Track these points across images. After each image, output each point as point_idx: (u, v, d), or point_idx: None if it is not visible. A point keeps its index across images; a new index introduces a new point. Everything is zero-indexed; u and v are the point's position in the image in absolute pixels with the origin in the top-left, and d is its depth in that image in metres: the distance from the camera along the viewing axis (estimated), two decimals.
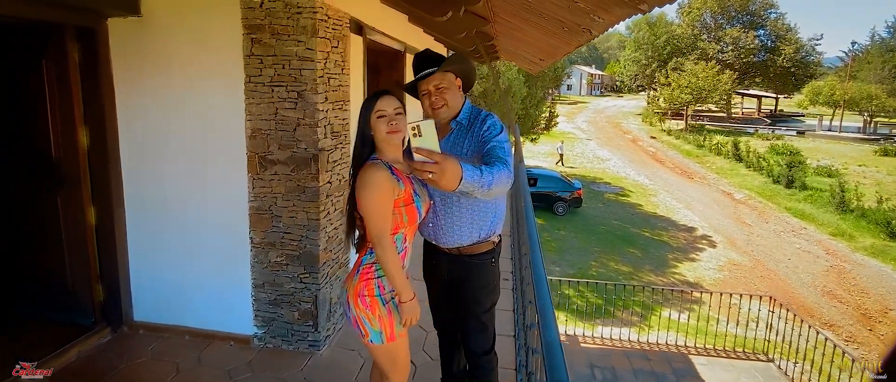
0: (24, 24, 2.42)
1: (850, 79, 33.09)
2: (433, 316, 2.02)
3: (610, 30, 2.25)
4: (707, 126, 31.69)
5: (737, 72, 33.73)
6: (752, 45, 37.36)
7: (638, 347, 7.60)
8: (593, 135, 31.12)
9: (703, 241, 15.00)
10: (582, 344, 7.54)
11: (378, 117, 1.59)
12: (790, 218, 16.73)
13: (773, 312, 7.73)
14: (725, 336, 8.19)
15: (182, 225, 2.65)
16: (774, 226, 16.18)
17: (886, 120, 31.00)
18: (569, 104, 46.18)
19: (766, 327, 7.70)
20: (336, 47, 2.51)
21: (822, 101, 32.66)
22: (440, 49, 5.72)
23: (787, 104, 41.58)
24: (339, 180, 2.74)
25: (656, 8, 1.33)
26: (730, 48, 37.66)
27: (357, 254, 1.68)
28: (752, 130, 30.62)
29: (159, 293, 2.76)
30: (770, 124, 32.84)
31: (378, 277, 1.61)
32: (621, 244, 14.35)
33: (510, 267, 3.58)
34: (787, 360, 7.17)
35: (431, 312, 2.02)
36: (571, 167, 22.92)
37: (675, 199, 19.07)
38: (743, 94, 37.02)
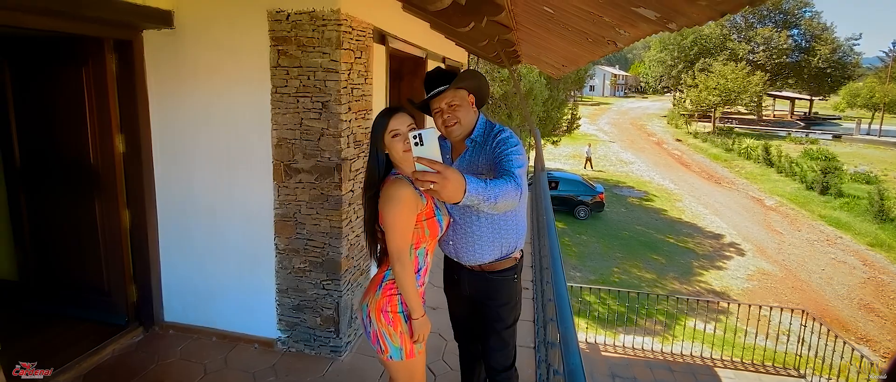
0: (67, 37, 2.54)
1: (892, 81, 31.51)
2: (454, 329, 2.02)
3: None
4: (736, 129, 30.72)
5: (768, 73, 32.57)
6: (784, 46, 35.99)
7: (661, 358, 7.41)
8: (616, 138, 30.56)
9: (731, 249, 14.53)
10: (603, 353, 7.41)
11: (392, 136, 1.58)
12: (824, 226, 16.05)
13: (805, 326, 7.42)
14: (754, 348, 7.91)
15: (210, 229, 2.74)
16: (807, 235, 15.55)
17: None
18: (591, 105, 45.50)
19: (799, 341, 7.40)
20: (359, 58, 2.55)
21: (861, 104, 31.21)
22: (461, 54, 5.73)
23: (822, 106, 39.94)
24: (361, 188, 2.78)
25: (685, 28, 1.31)
26: (761, 48, 36.36)
27: (378, 268, 1.69)
28: (783, 133, 29.51)
29: (188, 295, 2.85)
30: (804, 127, 31.60)
31: (401, 293, 1.61)
32: (645, 250, 14.03)
33: (530, 274, 3.55)
34: (820, 376, 6.88)
35: (452, 325, 2.02)
36: (596, 170, 22.56)
37: (702, 205, 18.54)
38: (775, 96, 35.76)
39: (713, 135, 28.85)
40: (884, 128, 29.95)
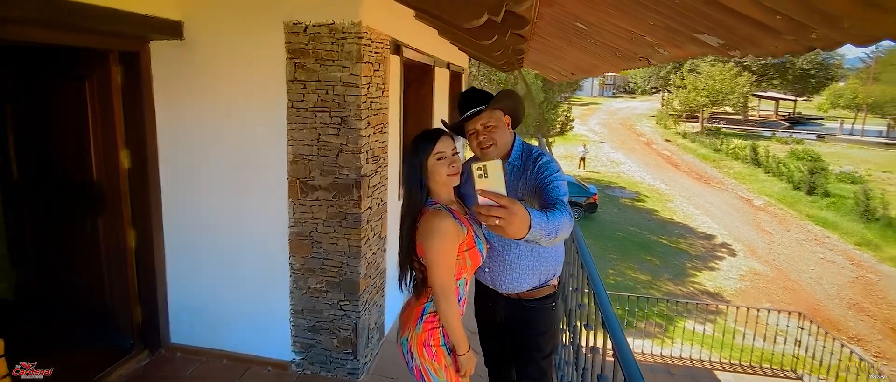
0: (69, 48, 2.41)
1: (873, 82, 32.29)
2: (485, 357, 1.95)
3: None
4: (723, 129, 31.18)
5: (755, 74, 33.12)
6: None
7: (661, 361, 7.43)
8: (607, 138, 30.78)
9: (723, 249, 14.71)
10: (607, 359, 7.40)
11: (438, 159, 1.52)
12: (812, 226, 16.35)
13: (802, 328, 7.52)
14: (751, 350, 8.00)
15: (220, 248, 2.63)
16: (796, 235, 15.82)
17: None
18: (581, 106, 45.78)
19: (795, 343, 7.51)
20: (378, 70, 2.47)
21: (843, 104, 31.94)
22: (463, 59, 5.66)
23: (806, 106, 40.74)
24: (378, 205, 2.70)
25: (738, 58, 1.26)
26: None
27: (414, 299, 1.61)
28: (769, 133, 30.04)
29: (197, 316, 2.74)
30: (788, 127, 32.20)
31: (443, 325, 1.55)
32: (638, 251, 14.13)
33: None
34: (816, 377, 6.98)
35: (482, 349, 1.96)
36: (588, 170, 22.69)
37: (693, 205, 18.75)
38: (760, 97, 36.35)
39: (701, 136, 29.25)
40: (866, 128, 30.66)
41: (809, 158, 21.66)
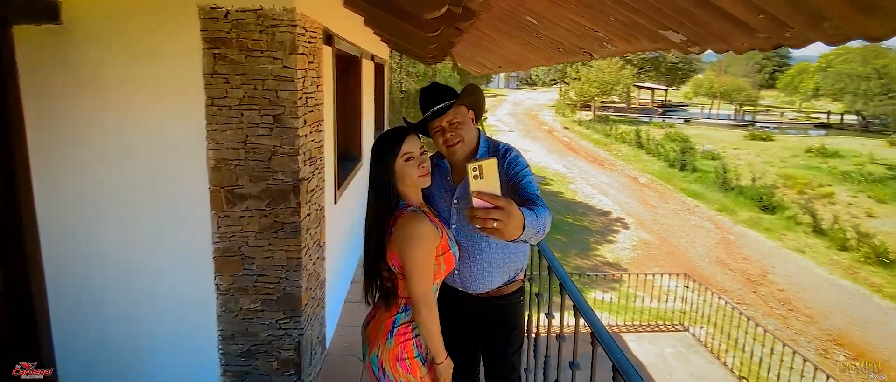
0: None
1: (724, 74, 38.31)
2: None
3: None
4: (611, 116, 34.64)
5: (636, 68, 37.17)
6: None
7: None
8: (515, 127, 32.42)
9: (618, 224, 16.42)
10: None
11: (406, 160, 1.42)
12: (685, 198, 18.95)
13: (687, 287, 8.72)
14: (648, 311, 9.07)
15: (126, 275, 2.19)
16: (673, 206, 18.22)
17: (751, 108, 36.43)
18: (490, 97, 47.53)
19: (682, 300, 8.68)
20: (312, 63, 2.23)
21: (703, 93, 37.41)
22: (385, 50, 5.46)
23: (675, 95, 46.92)
24: (317, 210, 2.47)
25: (697, 53, 1.35)
26: None
27: (386, 310, 1.49)
28: (647, 119, 34.08)
29: (98, 356, 2.27)
30: (662, 113, 36.82)
31: (415, 336, 1.46)
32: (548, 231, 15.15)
33: None
34: (698, 326, 8.15)
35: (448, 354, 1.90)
36: None
37: (591, 186, 20.60)
38: (640, 87, 40.97)
39: (594, 123, 32.20)
40: (720, 112, 36.33)
41: (680, 140, 25.04)
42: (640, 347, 7.74)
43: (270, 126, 2.07)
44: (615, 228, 16.03)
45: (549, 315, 2.17)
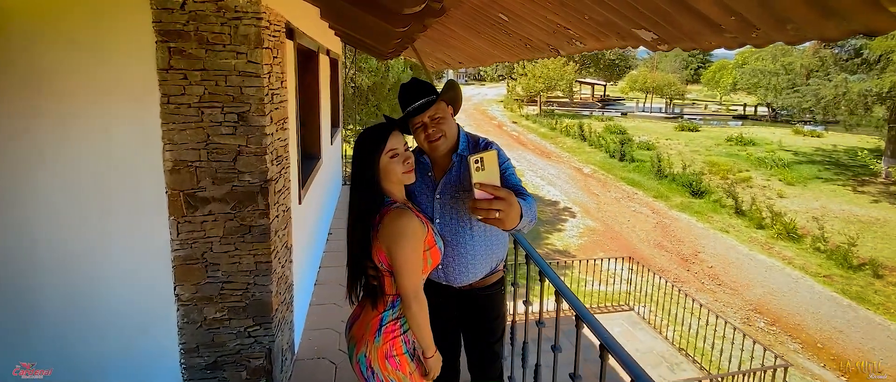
0: None
1: (655, 70, 40.94)
2: None
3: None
4: (556, 110, 35.99)
5: (577, 64, 38.79)
6: None
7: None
8: (465, 122, 32.77)
9: (566, 213, 17.16)
10: None
11: (391, 157, 1.41)
12: (625, 186, 20.15)
13: (631, 269, 9.31)
14: (596, 294, 9.59)
15: (71, 292, 2.00)
16: (615, 194, 19.32)
17: (680, 101, 39.32)
18: None
19: (627, 282, 9.26)
20: (277, 58, 2.13)
21: (638, 88, 39.80)
22: (338, 44, 5.31)
23: (613, 90, 49.52)
24: (284, 211, 2.38)
25: (664, 51, 1.44)
26: None
27: (372, 308, 1.48)
28: (588, 113, 35.79)
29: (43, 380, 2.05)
30: (601, 107, 38.80)
31: (404, 332, 1.46)
32: None
33: None
34: (642, 305, 8.74)
35: None
36: None
37: (539, 177, 21.34)
38: (581, 82, 42.85)
39: (540, 117, 33.31)
40: (653, 106, 38.90)
41: (619, 132, 26.52)
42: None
43: (235, 124, 1.96)
44: (563, 217, 16.74)
45: (526, 302, 2.24)
